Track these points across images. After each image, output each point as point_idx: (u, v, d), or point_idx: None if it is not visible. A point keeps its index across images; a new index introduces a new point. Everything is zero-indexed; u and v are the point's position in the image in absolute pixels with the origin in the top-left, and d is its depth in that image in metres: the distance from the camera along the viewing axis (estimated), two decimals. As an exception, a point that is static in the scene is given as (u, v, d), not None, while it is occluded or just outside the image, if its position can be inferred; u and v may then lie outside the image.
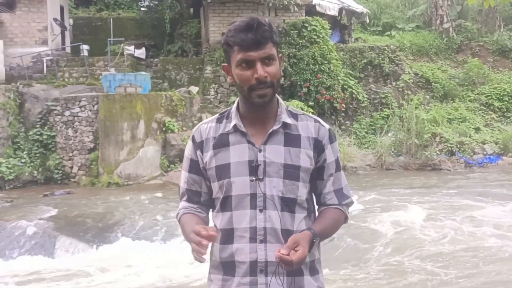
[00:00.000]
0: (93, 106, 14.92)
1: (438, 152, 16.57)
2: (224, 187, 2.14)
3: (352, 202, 2.30)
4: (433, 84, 19.80)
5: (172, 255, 8.38)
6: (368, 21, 22.30)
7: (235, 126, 2.16)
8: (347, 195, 2.28)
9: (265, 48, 2.08)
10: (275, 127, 2.15)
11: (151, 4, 22.93)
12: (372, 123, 18.23)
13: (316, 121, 2.24)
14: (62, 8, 20.75)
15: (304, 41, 17.70)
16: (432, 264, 7.31)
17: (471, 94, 19.78)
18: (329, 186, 2.24)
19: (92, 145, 14.85)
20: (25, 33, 18.87)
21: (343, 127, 17.83)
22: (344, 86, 18.06)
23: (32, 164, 14.70)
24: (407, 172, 15.58)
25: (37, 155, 14.91)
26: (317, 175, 2.21)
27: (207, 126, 2.22)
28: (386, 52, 19.72)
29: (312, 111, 16.39)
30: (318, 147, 2.19)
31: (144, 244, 9.27)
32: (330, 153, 2.22)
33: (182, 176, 2.29)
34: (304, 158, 2.16)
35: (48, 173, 14.82)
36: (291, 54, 17.61)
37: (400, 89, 19.28)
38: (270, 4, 18.10)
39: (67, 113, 15.10)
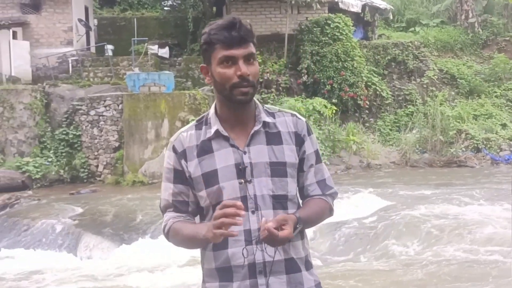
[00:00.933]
0: (118, 105, 15.07)
1: (463, 149, 16.39)
2: (214, 193, 2.11)
3: (336, 193, 2.27)
4: (458, 80, 19.58)
5: (196, 254, 8.42)
6: (391, 17, 22.15)
7: (217, 131, 2.14)
8: (330, 186, 2.25)
9: (248, 46, 2.07)
10: (256, 128, 2.14)
11: (174, 4, 23.09)
12: (396, 120, 18.10)
13: (292, 115, 2.24)
14: (86, 9, 20.98)
15: (327, 38, 17.63)
16: None
17: (497, 90, 19.52)
18: (311, 178, 2.22)
19: (117, 144, 15.00)
20: (50, 34, 19.13)
21: (367, 124, 17.74)
22: (368, 83, 17.95)
23: (58, 163, 14.91)
24: (436, 169, 15.40)
25: (63, 154, 15.12)
26: (299, 167, 2.20)
27: (187, 134, 2.18)
28: (410, 48, 19.57)
29: (336, 108, 16.34)
30: (299, 140, 2.19)
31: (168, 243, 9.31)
32: (309, 145, 2.21)
33: (164, 188, 2.21)
34: (288, 154, 2.15)
35: (74, 172, 15.01)
36: (314, 52, 17.57)
37: (425, 86, 19.11)
38: (293, 2, 18.05)
39: (92, 112, 15.27)
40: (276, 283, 2.06)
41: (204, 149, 2.13)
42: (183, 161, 2.15)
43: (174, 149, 2.17)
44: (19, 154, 14.91)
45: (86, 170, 15.02)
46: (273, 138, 2.15)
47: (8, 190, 13.31)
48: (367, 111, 17.99)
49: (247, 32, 2.06)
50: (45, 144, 15.23)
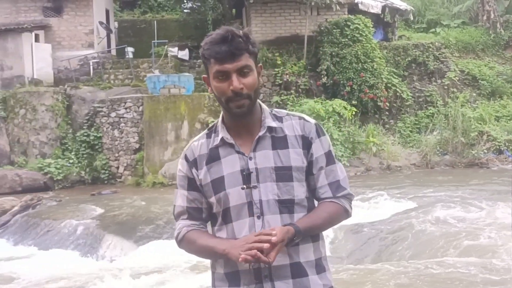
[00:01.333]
0: (138, 107, 15.19)
1: (485, 151, 16.21)
2: (221, 200, 2.15)
3: (350, 194, 2.24)
4: (480, 81, 19.38)
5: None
6: (412, 18, 21.99)
7: (222, 139, 2.18)
8: (344, 187, 2.23)
9: (240, 59, 2.07)
10: (261, 133, 2.16)
11: (194, 6, 23.20)
12: (416, 122, 17.97)
13: (300, 118, 2.24)
14: (107, 12, 21.18)
15: (346, 39, 17.57)
16: None
17: (520, 91, 19.29)
18: (322, 180, 2.21)
19: (137, 146, 15.12)
20: (72, 36, 19.35)
21: (387, 126, 17.64)
22: (388, 84, 17.85)
23: (79, 164, 15.07)
24: (458, 171, 15.26)
25: (85, 155, 15.28)
26: (308, 171, 2.20)
27: (198, 143, 2.23)
28: (430, 49, 19.42)
29: (355, 110, 16.28)
30: (306, 143, 2.19)
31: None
32: (318, 147, 2.21)
33: (178, 195, 2.26)
34: (295, 158, 2.16)
35: (95, 173, 15.16)
36: (333, 53, 17.52)
37: (446, 87, 18.95)
38: (312, 3, 18.01)
39: (113, 114, 15.41)
40: (282, 287, 2.09)
41: (212, 156, 2.18)
42: (194, 170, 2.20)
43: (186, 158, 2.23)
44: (41, 155, 15.11)
45: (106, 172, 15.16)
46: (279, 142, 2.17)
47: (30, 191, 13.51)
48: (387, 113, 17.88)
49: (238, 45, 2.06)
50: (67, 145, 15.41)
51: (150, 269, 8.27)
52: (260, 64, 2.22)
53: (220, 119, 2.23)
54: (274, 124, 2.18)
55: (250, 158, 2.14)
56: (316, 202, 2.26)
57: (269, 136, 2.17)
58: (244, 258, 1.95)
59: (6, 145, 15.25)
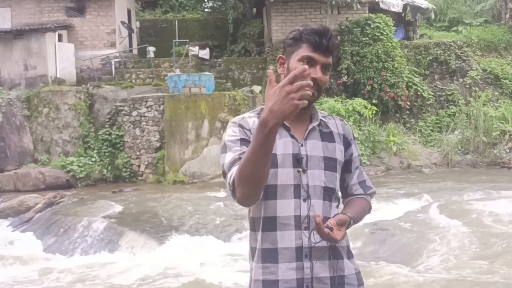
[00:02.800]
0: (159, 106, 15.32)
1: (507, 150, 16.06)
2: (269, 176, 2.14)
3: (374, 192, 2.49)
4: (502, 80, 19.17)
5: (236, 250, 8.55)
6: (433, 16, 21.82)
7: None
8: (370, 186, 2.48)
9: (329, 57, 2.28)
10: (314, 124, 2.33)
11: (215, 5, 23.27)
12: (437, 121, 17.86)
13: (341, 120, 2.47)
14: (129, 12, 21.38)
15: (367, 38, 17.55)
16: None
17: (544, 90, 19.04)
18: (355, 178, 2.44)
19: (158, 144, 15.25)
20: (94, 36, 19.57)
21: (407, 125, 17.56)
22: (409, 83, 17.78)
23: (101, 162, 15.25)
24: (479, 170, 15.12)
25: (106, 154, 15.45)
26: (346, 168, 2.41)
27: (251, 120, 2.31)
28: (452, 48, 19.28)
29: (376, 109, 16.23)
30: (346, 142, 2.40)
31: (207, 241, 9.45)
32: (355, 149, 2.44)
33: (229, 152, 2.21)
34: (338, 152, 2.35)
35: (116, 171, 15.32)
36: (354, 52, 17.50)
37: (467, 86, 18.80)
38: (333, 2, 18.01)
39: (134, 113, 15.57)
40: (320, 267, 2.21)
41: None
42: (250, 134, 2.24)
43: (241, 126, 2.28)
44: (64, 153, 15.32)
45: (128, 170, 15.32)
46: (327, 136, 2.35)
47: (53, 189, 13.71)
48: (408, 112, 17.81)
49: (333, 45, 2.28)
50: (89, 144, 15.60)
51: (170, 266, 8.33)
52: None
53: None
54: (323, 119, 2.38)
55: (302, 145, 2.28)
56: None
57: (318, 129, 2.34)
58: (300, 103, 1.86)
59: (30, 143, 15.49)
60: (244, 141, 2.23)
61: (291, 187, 2.23)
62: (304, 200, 2.23)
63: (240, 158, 2.14)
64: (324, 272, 2.22)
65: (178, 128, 14.76)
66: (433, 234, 8.37)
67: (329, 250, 2.22)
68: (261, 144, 1.94)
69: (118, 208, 11.33)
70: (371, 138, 15.81)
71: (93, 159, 15.20)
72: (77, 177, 14.68)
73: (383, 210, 9.97)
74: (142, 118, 15.48)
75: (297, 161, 2.25)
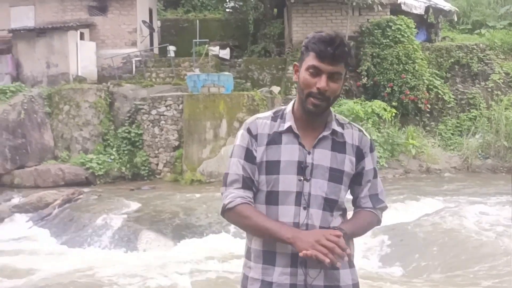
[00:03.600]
0: (178, 105, 15.39)
1: (529, 155, 15.84)
2: (271, 182, 2.27)
3: (386, 207, 2.45)
4: (525, 84, 18.92)
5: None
6: (456, 19, 21.60)
7: (289, 127, 2.30)
8: (382, 200, 2.44)
9: (337, 66, 2.21)
10: (325, 133, 2.31)
11: (236, 5, 23.29)
12: (458, 125, 17.67)
13: (360, 130, 2.41)
14: (150, 11, 21.51)
15: (388, 40, 17.44)
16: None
17: None
18: (365, 191, 2.41)
19: (176, 143, 15.33)
20: (116, 35, 19.72)
21: (427, 128, 17.41)
22: (430, 86, 17.62)
23: (120, 160, 15.36)
24: (500, 176, 14.93)
25: (125, 152, 15.56)
26: (356, 180, 2.39)
27: (263, 122, 2.34)
28: (475, 51, 19.05)
29: (395, 111, 16.12)
30: (359, 155, 2.37)
31: (224, 239, 9.45)
32: (369, 161, 2.40)
33: (234, 162, 2.32)
34: (348, 164, 2.33)
35: (135, 169, 15.42)
36: (374, 54, 17.40)
37: (489, 90, 18.56)
38: (354, 4, 17.92)
39: (153, 112, 15.66)
40: (314, 275, 2.21)
41: (275, 139, 2.30)
42: (254, 144, 2.31)
43: (249, 131, 2.33)
44: (83, 151, 15.46)
45: (146, 168, 15.41)
46: (338, 146, 2.32)
47: (72, 185, 13.86)
48: (428, 115, 17.65)
49: (342, 53, 2.21)
50: (108, 141, 15.72)
51: (187, 264, 8.34)
52: (348, 76, 2.38)
53: (290, 107, 2.36)
54: (337, 128, 2.34)
55: (309, 153, 2.27)
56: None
57: (331, 138, 2.32)
58: (314, 254, 2.06)
59: (50, 140, 15.66)
60: (248, 153, 2.31)
61: (293, 194, 2.25)
62: (304, 208, 2.25)
63: (242, 179, 2.28)
64: (318, 281, 2.22)
65: (196, 128, 14.81)
66: (447, 238, 8.29)
67: None
68: (269, 236, 2.20)
69: (135, 205, 11.41)
70: (390, 141, 15.69)
71: (112, 157, 15.31)
72: (96, 174, 14.80)
73: (398, 213, 9.89)
74: (161, 117, 15.57)
75: (301, 169, 2.25)
